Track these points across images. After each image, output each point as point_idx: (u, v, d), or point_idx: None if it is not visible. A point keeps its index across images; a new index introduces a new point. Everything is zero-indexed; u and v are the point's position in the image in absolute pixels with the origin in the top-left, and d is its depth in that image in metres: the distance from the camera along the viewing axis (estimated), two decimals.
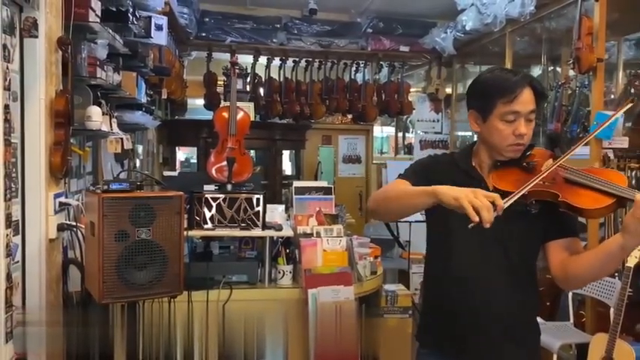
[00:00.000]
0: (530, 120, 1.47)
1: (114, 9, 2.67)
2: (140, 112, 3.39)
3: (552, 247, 1.49)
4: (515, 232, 1.48)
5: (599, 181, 1.35)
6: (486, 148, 1.54)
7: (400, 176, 1.61)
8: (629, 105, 1.57)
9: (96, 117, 2.41)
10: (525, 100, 1.44)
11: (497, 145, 1.49)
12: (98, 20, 2.35)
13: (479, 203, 1.24)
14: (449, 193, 1.30)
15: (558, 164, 1.42)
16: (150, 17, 3.07)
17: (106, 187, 1.95)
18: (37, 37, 1.99)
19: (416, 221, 4.33)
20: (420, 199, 1.40)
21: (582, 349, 3.00)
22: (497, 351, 1.50)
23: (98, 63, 2.44)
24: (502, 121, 1.45)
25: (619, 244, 1.29)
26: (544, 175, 1.40)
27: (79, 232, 2.31)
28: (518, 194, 1.34)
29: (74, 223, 2.32)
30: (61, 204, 2.23)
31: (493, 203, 1.25)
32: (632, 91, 4.01)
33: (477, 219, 1.23)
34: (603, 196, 1.33)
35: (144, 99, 3.41)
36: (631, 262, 2.63)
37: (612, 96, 4.47)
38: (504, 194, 1.41)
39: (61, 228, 2.23)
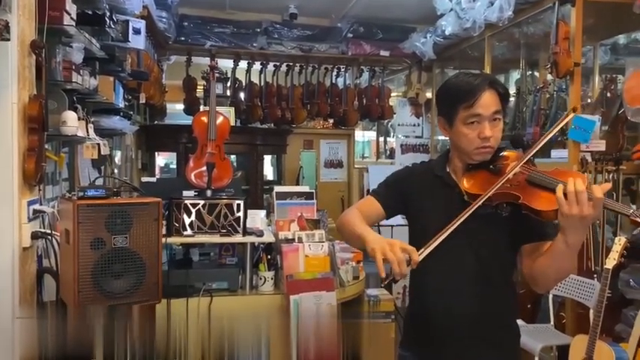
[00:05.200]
0: (497, 120, 1.47)
1: (90, 12, 2.62)
2: (118, 117, 3.33)
3: (524, 251, 1.49)
4: (488, 236, 1.48)
5: (556, 181, 1.32)
6: (457, 153, 1.55)
7: (373, 192, 1.65)
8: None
9: (71, 122, 2.35)
10: (486, 102, 1.44)
11: (465, 149, 1.49)
12: (73, 24, 2.30)
13: (391, 256, 1.28)
14: (370, 242, 1.36)
15: (520, 166, 1.42)
16: (127, 21, 3.02)
17: (81, 193, 1.91)
18: (9, 40, 1.93)
19: (397, 225, 4.34)
20: (358, 241, 1.47)
21: (563, 351, 3.03)
22: (475, 354, 1.50)
23: (74, 67, 2.38)
24: (466, 125, 1.46)
25: (563, 240, 1.30)
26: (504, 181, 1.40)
27: (54, 240, 2.25)
28: (431, 245, 1.35)
29: (49, 231, 2.26)
30: (35, 211, 2.17)
31: (409, 258, 1.28)
32: (608, 95, 4.07)
33: (382, 274, 1.28)
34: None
35: (122, 104, 3.35)
36: (609, 264, 2.66)
37: (589, 100, 4.55)
38: (473, 197, 1.43)
39: (35, 236, 2.16)
